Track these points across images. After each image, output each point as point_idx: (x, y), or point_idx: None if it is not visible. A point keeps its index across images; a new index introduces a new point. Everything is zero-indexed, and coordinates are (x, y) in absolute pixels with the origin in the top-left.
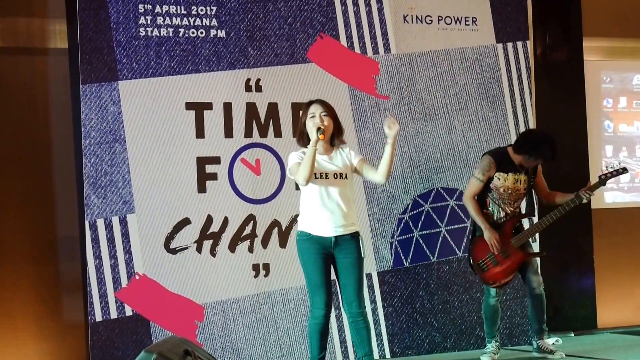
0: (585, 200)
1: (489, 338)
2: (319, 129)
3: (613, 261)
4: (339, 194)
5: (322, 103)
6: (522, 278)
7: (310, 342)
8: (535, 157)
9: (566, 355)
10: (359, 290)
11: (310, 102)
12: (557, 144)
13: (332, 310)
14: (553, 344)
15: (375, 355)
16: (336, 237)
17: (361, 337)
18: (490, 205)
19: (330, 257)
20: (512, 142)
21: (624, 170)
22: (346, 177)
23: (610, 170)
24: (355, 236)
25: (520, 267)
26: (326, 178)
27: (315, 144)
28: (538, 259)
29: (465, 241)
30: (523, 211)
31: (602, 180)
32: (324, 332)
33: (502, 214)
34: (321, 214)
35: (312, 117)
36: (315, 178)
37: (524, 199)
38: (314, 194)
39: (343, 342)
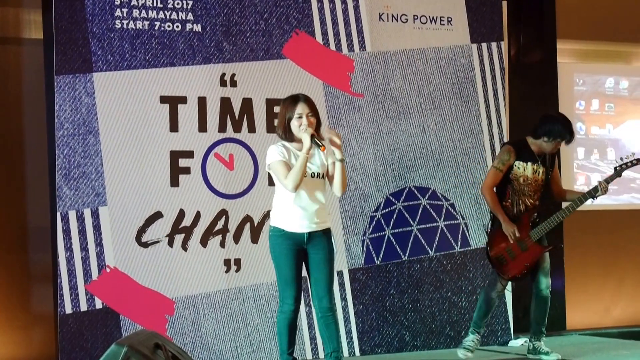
0: (600, 193)
1: (473, 329)
2: (317, 141)
3: (582, 263)
4: (314, 192)
5: (308, 102)
6: (532, 277)
7: (280, 337)
8: (554, 139)
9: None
10: (330, 286)
11: (296, 100)
12: (572, 125)
13: (302, 306)
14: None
15: (345, 352)
16: (309, 233)
17: (330, 332)
18: (511, 196)
19: (302, 253)
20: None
21: (638, 161)
22: (322, 177)
23: (625, 161)
24: (327, 232)
25: (532, 268)
26: (304, 177)
27: (308, 150)
28: (549, 261)
29: (437, 240)
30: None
31: (618, 172)
32: (292, 327)
33: (522, 207)
34: (295, 210)
35: (299, 117)
36: None
37: (541, 192)
38: (289, 191)
39: (313, 338)
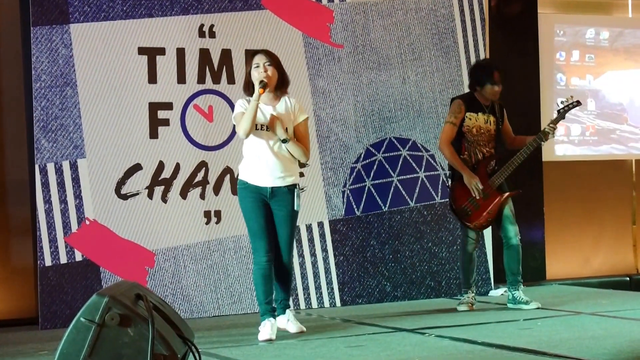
0: (550, 135)
1: (465, 288)
2: (261, 82)
3: (562, 214)
4: (278, 145)
5: (267, 53)
6: (499, 228)
7: (256, 288)
8: (484, 84)
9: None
10: (289, 242)
11: (255, 53)
12: (493, 65)
13: (295, 257)
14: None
15: (326, 303)
16: (272, 188)
17: (282, 283)
18: (467, 149)
19: (268, 206)
20: None
21: (578, 103)
22: (286, 130)
23: (567, 103)
24: (291, 189)
25: (497, 217)
26: (267, 130)
27: (258, 98)
28: (513, 209)
29: (417, 190)
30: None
31: (562, 114)
32: (267, 278)
33: (480, 156)
34: (259, 164)
35: (257, 67)
36: (256, 129)
37: (495, 141)
38: (253, 144)
39: (306, 288)
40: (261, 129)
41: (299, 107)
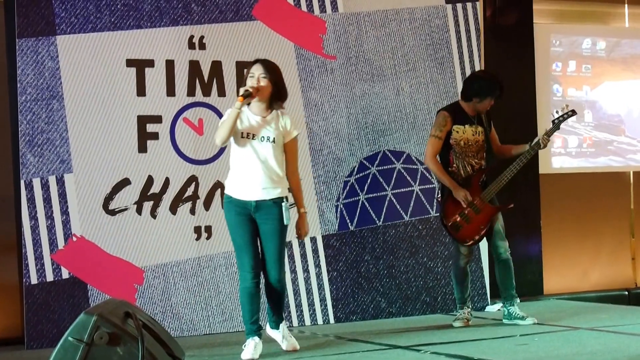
0: (542, 147)
1: (460, 304)
2: (246, 90)
3: (559, 227)
4: (264, 157)
5: (265, 64)
6: (489, 243)
7: (242, 307)
8: (484, 97)
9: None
10: (278, 258)
11: (255, 62)
12: (501, 79)
13: (287, 273)
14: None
15: (319, 320)
16: (257, 201)
17: (274, 302)
18: (455, 161)
19: (253, 220)
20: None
21: (573, 112)
22: (274, 142)
23: (562, 113)
24: (277, 202)
25: (488, 232)
26: (252, 139)
27: (240, 106)
28: (503, 225)
29: (412, 204)
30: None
31: (557, 125)
32: (253, 295)
33: (469, 168)
34: (243, 176)
35: (251, 77)
36: (242, 137)
37: (484, 151)
38: (238, 154)
39: (299, 305)
40: (247, 137)
41: (290, 123)
